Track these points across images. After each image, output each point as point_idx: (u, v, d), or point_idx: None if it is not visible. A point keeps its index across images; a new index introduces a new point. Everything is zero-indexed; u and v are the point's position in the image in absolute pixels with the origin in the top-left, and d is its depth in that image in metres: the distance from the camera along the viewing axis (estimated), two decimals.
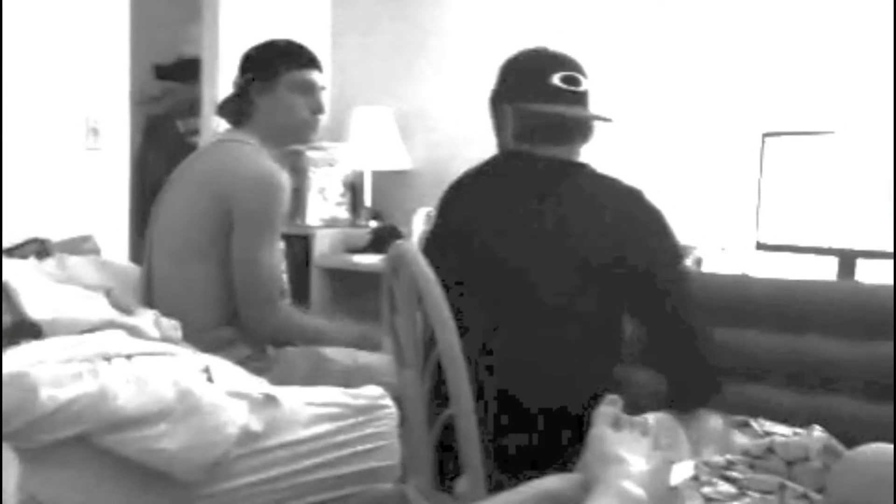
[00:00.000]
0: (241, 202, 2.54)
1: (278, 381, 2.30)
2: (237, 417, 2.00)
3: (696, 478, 1.65)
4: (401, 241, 2.02)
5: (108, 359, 1.95)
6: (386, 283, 2.08)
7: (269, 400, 2.10)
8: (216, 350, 2.41)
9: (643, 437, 1.45)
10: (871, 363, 2.33)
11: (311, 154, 4.27)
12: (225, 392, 2.04)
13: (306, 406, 2.17)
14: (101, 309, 2.19)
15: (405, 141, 4.39)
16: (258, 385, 2.15)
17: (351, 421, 2.19)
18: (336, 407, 2.20)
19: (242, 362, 2.43)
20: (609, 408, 1.49)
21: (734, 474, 1.65)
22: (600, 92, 3.84)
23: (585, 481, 1.41)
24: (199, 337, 2.45)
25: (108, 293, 2.35)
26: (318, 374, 2.56)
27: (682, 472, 1.67)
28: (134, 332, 2.12)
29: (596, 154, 3.68)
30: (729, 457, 1.71)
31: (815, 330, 2.44)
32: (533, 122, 2.20)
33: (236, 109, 2.75)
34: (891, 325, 2.33)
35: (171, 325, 2.29)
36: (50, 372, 1.84)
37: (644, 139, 3.80)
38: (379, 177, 4.44)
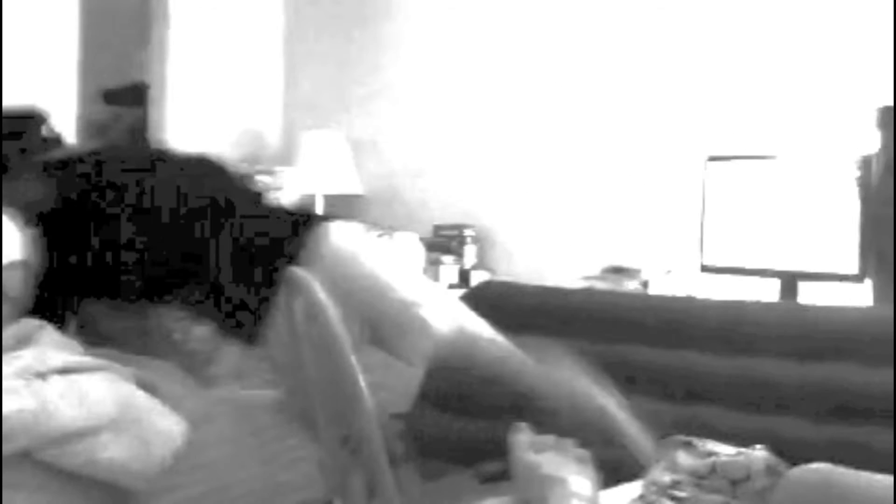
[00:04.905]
0: None
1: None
2: (178, 425, 2.01)
3: (641, 497, 1.68)
4: (294, 269, 2.02)
5: (41, 375, 1.94)
6: (284, 313, 2.07)
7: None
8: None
9: (566, 455, 1.53)
10: (814, 384, 2.37)
11: (260, 178, 4.25)
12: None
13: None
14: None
15: (357, 165, 4.38)
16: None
17: (287, 428, 2.20)
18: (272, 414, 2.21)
19: None
20: (523, 435, 1.59)
21: (680, 493, 1.68)
22: (550, 115, 3.92)
23: None
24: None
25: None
26: None
27: (628, 491, 1.70)
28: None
29: (544, 177, 3.72)
30: (675, 476, 1.73)
31: (759, 351, 2.48)
32: None
33: None
34: (835, 346, 2.38)
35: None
36: None
37: (589, 162, 3.85)
38: (330, 201, 4.42)
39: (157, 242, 2.16)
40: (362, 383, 1.87)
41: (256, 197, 2.35)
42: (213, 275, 2.14)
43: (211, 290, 2.14)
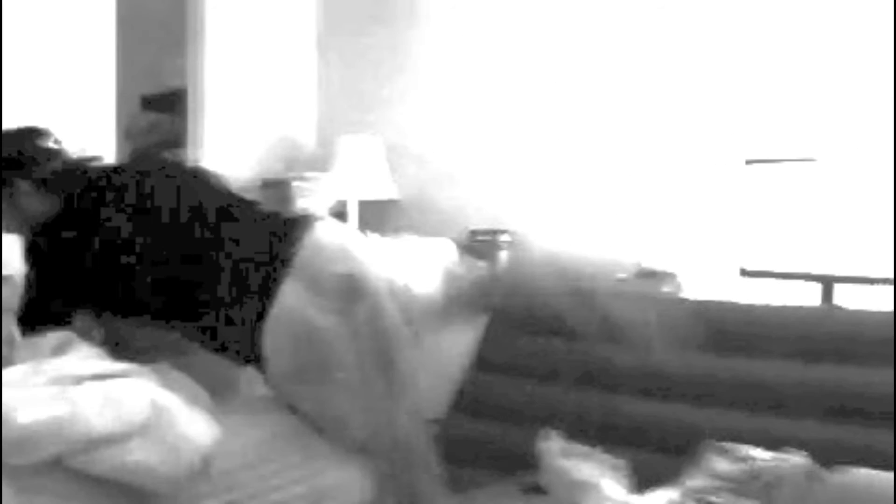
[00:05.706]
0: None
1: None
2: (208, 430, 2.04)
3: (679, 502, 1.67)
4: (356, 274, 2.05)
5: (77, 381, 1.96)
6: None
7: None
8: None
9: (597, 461, 1.58)
10: (828, 386, 2.36)
11: (297, 184, 4.26)
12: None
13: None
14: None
15: (393, 171, 4.37)
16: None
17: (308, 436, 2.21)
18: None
19: None
20: (553, 442, 1.65)
21: (716, 499, 1.66)
22: (584, 118, 3.89)
23: None
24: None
25: None
26: None
27: (660, 497, 1.69)
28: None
29: (578, 179, 3.69)
30: (711, 481, 1.72)
31: (780, 354, 2.47)
32: None
33: None
34: (854, 348, 2.36)
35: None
36: (22, 396, 1.85)
37: (624, 166, 3.82)
38: (366, 207, 4.41)
39: (156, 247, 2.18)
40: (413, 386, 1.87)
41: (252, 204, 2.38)
42: (212, 282, 2.15)
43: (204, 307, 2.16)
